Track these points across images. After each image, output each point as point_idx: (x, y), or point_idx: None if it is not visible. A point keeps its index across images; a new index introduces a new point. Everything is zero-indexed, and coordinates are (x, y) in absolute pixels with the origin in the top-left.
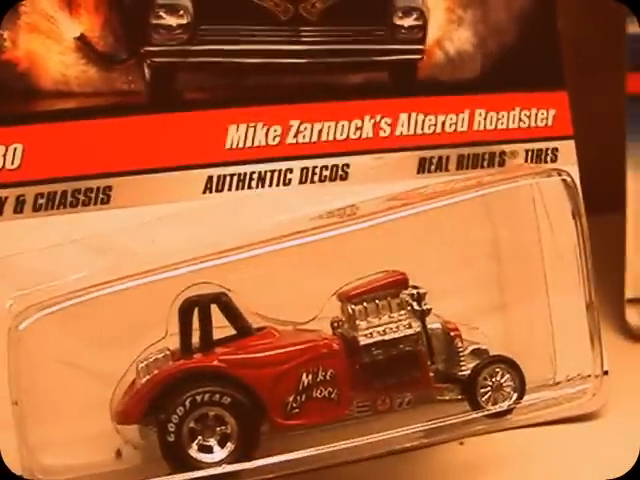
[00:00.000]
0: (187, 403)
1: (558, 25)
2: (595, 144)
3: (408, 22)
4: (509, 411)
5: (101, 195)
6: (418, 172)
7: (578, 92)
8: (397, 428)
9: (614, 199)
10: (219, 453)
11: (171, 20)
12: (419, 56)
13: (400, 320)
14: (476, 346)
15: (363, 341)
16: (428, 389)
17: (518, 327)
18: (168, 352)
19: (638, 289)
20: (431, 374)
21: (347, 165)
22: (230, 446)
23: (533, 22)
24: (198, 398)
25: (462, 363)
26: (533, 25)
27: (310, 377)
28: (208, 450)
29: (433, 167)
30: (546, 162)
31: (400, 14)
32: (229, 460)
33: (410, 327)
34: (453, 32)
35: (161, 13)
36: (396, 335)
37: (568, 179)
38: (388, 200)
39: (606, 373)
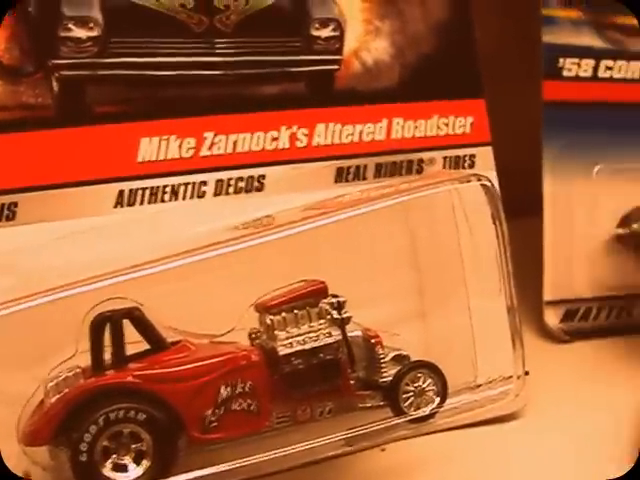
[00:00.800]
0: (100, 421)
1: (475, 34)
2: (514, 150)
3: (325, 33)
4: (431, 415)
5: (6, 211)
6: (336, 181)
7: (497, 100)
8: (320, 437)
9: (532, 203)
10: (134, 471)
11: (80, 33)
12: (336, 66)
13: (320, 329)
14: (397, 352)
15: (282, 351)
16: (349, 397)
17: (439, 332)
18: (79, 370)
19: (556, 291)
20: (352, 382)
21: (263, 176)
22: (146, 463)
23: (450, 32)
24: (112, 415)
25: (383, 370)
26: (450, 35)
27: (229, 390)
28: (122, 469)
29: (351, 176)
30: (464, 168)
31: (317, 25)
32: (145, 478)
33: (330, 336)
34: (370, 42)
35: (70, 25)
36: (316, 344)
37: (487, 184)
38: (305, 209)
39: (527, 374)
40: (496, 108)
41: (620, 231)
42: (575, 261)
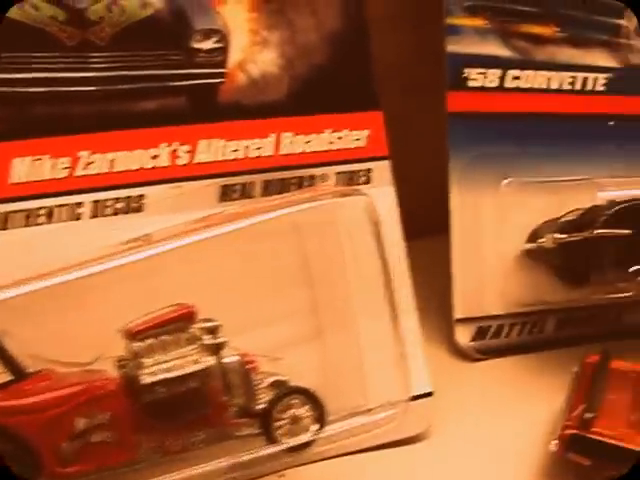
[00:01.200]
0: None
1: (370, 44)
2: (419, 164)
3: (207, 45)
4: (309, 443)
5: None
6: (220, 200)
7: (400, 112)
8: (197, 465)
9: (439, 219)
10: None
11: None
12: (220, 80)
13: (189, 355)
14: (276, 378)
15: (145, 380)
16: (222, 426)
17: (329, 355)
18: None
19: (466, 309)
20: (229, 409)
21: (142, 196)
22: None
23: (344, 42)
24: None
25: (259, 396)
26: (344, 45)
27: (85, 421)
28: None
29: (237, 194)
30: (358, 184)
31: (199, 37)
32: None
33: (199, 362)
34: (257, 54)
35: None
36: (183, 372)
37: (365, 199)
38: (188, 225)
39: (430, 394)
40: (399, 121)
41: (529, 246)
42: (485, 277)
